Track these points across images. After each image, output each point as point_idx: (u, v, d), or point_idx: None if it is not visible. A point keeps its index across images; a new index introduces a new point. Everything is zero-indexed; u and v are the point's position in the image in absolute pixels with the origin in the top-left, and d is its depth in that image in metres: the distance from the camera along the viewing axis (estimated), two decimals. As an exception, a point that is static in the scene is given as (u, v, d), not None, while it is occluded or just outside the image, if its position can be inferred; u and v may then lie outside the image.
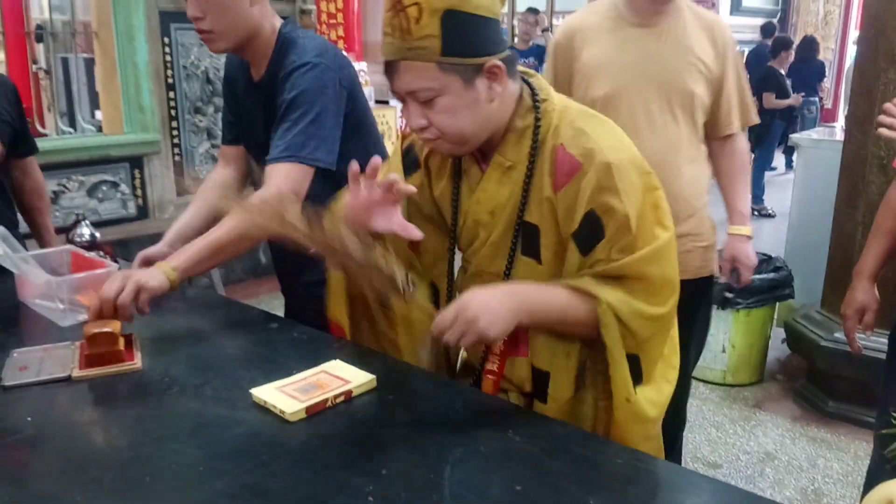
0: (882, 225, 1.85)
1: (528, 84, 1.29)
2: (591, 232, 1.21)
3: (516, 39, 7.88)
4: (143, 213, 4.25)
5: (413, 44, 1.15)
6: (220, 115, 4.42)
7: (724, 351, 3.40)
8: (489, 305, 1.17)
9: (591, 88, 1.99)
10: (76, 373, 1.36)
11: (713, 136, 2.11)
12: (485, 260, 1.34)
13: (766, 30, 8.56)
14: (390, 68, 1.21)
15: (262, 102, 1.75)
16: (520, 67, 1.30)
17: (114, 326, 1.40)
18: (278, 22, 1.72)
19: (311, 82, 1.63)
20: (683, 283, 2.06)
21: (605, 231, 1.20)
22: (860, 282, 1.87)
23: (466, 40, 1.16)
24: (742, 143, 2.16)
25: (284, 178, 1.60)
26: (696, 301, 2.16)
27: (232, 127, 1.93)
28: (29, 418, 1.22)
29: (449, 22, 1.13)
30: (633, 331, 1.21)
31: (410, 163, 1.42)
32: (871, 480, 1.87)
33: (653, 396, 1.25)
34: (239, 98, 1.86)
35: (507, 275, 1.32)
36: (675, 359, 1.35)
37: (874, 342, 2.55)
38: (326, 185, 1.60)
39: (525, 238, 1.29)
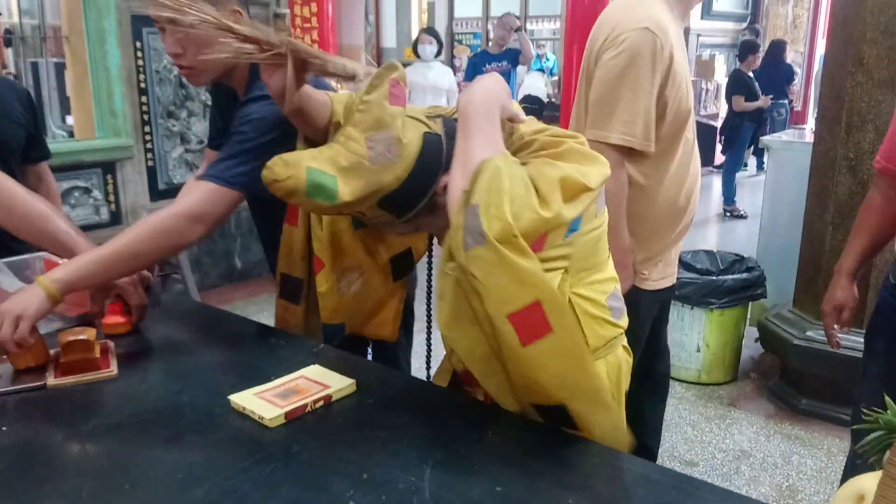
0: (862, 224, 1.88)
1: None
2: None
3: (490, 43, 7.92)
4: (115, 218, 4.21)
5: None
6: (193, 119, 4.41)
7: (698, 350, 3.44)
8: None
9: (683, 99, 1.85)
10: (51, 381, 1.35)
11: None
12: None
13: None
14: None
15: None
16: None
17: (89, 334, 1.39)
18: None
19: (267, 113, 1.53)
20: (672, 288, 2.15)
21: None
22: (839, 279, 1.91)
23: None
24: None
25: (202, 197, 1.49)
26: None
27: (220, 132, 1.90)
28: (3, 428, 1.21)
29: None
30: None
31: None
32: (848, 476, 1.91)
33: None
34: (228, 109, 1.82)
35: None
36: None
37: (846, 340, 2.59)
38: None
39: None
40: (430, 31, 6.26)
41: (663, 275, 2.03)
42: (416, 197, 1.21)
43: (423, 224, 1.26)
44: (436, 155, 1.21)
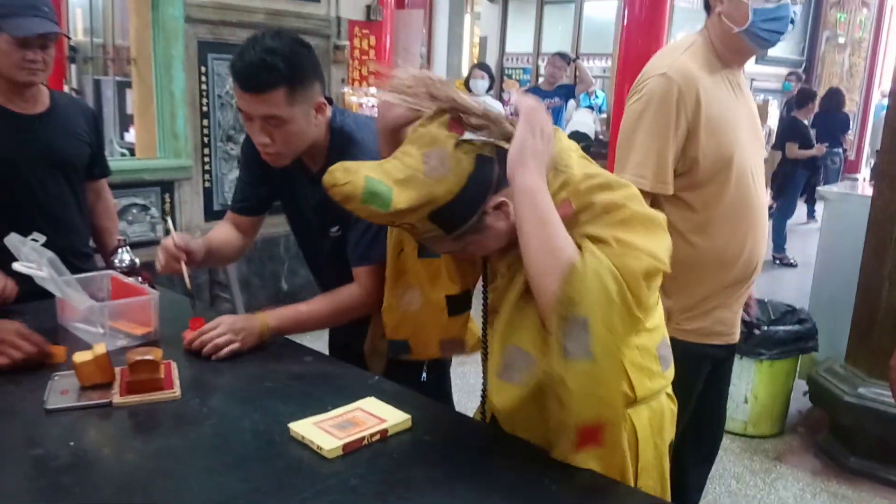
0: None
1: None
2: None
3: (541, 80, 7.96)
4: (170, 236, 4.30)
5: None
6: (251, 143, 4.51)
7: (745, 401, 3.38)
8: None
9: (723, 146, 1.84)
10: (117, 399, 1.39)
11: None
12: (497, 300, 1.36)
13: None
14: None
15: (321, 193, 1.72)
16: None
17: (155, 354, 1.43)
18: (329, 111, 1.72)
19: None
20: (730, 347, 2.12)
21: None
22: None
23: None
24: None
25: (367, 279, 1.71)
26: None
27: (255, 198, 1.94)
28: (71, 443, 1.24)
29: None
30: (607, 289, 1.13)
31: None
32: None
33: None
34: (285, 181, 1.84)
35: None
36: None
37: (900, 400, 2.53)
38: None
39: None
40: (482, 66, 6.33)
41: (712, 331, 1.96)
42: (466, 213, 1.23)
43: (471, 243, 1.27)
44: (487, 174, 1.24)
